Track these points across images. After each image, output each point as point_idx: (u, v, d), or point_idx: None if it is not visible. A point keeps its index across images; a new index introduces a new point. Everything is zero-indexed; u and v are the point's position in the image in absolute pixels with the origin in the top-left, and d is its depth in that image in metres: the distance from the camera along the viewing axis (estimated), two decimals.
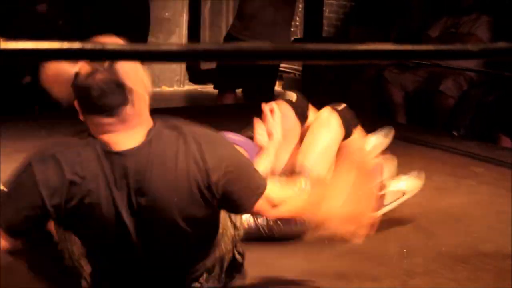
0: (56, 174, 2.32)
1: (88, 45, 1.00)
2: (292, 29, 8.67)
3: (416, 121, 6.81)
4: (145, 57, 1.10)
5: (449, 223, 3.18)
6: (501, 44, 1.43)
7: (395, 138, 5.67)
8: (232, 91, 7.50)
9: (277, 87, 8.88)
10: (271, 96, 7.84)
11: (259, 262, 2.99)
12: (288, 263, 3.08)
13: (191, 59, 1.22)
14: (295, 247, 3.22)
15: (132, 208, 2.34)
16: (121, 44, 1.03)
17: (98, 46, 1.00)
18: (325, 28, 8.73)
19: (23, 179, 2.36)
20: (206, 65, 8.53)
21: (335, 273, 2.99)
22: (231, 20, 8.42)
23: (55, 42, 0.96)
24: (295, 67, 8.99)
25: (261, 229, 3.19)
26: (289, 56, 1.15)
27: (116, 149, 2.35)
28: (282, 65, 8.73)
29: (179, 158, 2.35)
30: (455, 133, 6.43)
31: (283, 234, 3.19)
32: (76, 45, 0.97)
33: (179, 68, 8.63)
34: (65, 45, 0.95)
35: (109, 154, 2.35)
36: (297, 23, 9.15)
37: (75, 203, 2.32)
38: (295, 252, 3.20)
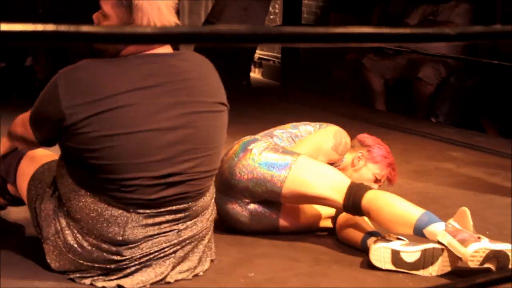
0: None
1: (62, 28, 0.99)
2: (271, 17, 8.68)
3: (396, 108, 6.83)
4: (120, 40, 1.09)
5: (427, 205, 3.19)
6: (478, 28, 1.44)
7: (375, 124, 5.72)
8: None
9: (257, 75, 8.88)
10: (248, 81, 7.87)
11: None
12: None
13: (167, 42, 1.22)
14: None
15: None
16: (96, 27, 1.03)
17: (72, 29, 0.99)
18: (305, 15, 8.73)
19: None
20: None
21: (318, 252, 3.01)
22: (210, 7, 8.41)
23: (29, 24, 0.95)
24: (275, 54, 8.99)
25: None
26: (263, 39, 1.15)
27: None
28: (261, 52, 8.74)
29: None
30: (434, 120, 6.46)
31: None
32: (50, 27, 0.96)
33: None
34: (39, 27, 0.94)
35: None
36: (277, 11, 9.14)
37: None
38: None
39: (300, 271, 2.88)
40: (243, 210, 3.18)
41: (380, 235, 3.00)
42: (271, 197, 3.14)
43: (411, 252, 2.86)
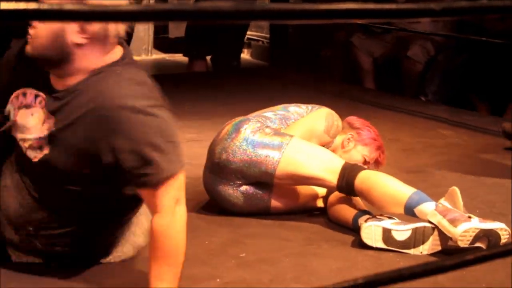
0: None
1: (45, 6, 0.99)
2: None
3: (385, 87, 6.83)
4: (104, 17, 1.08)
5: (417, 183, 3.20)
6: (463, 3, 1.43)
7: (364, 103, 5.72)
8: (203, 58, 7.50)
9: (246, 55, 8.86)
10: (238, 62, 7.86)
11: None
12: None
13: (152, 20, 1.21)
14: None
15: None
16: (79, 5, 1.02)
17: (55, 7, 0.98)
18: None
19: None
20: (174, 34, 8.50)
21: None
22: None
23: (11, 2, 0.94)
24: (263, 34, 8.96)
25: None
26: (248, 15, 1.14)
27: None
28: (250, 32, 8.71)
29: None
30: (423, 98, 6.47)
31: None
32: (32, 5, 0.95)
33: (146, 37, 8.57)
34: (21, 5, 0.94)
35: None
36: None
37: None
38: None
39: (291, 251, 2.88)
40: (235, 191, 3.18)
41: (371, 214, 3.01)
42: (264, 179, 3.15)
43: (402, 231, 2.87)
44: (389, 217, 2.96)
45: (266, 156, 3.11)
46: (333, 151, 3.39)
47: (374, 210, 3.04)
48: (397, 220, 2.93)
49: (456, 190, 2.89)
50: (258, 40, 9.04)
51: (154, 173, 2.28)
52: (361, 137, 3.46)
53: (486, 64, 6.05)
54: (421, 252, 2.86)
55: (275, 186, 3.19)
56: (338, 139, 3.45)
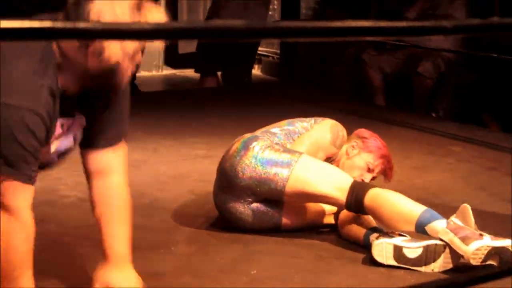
0: None
1: (58, 24, 0.99)
2: (270, 13, 8.66)
3: (395, 103, 6.82)
4: (118, 36, 1.09)
5: (428, 200, 3.19)
6: (475, 21, 1.43)
7: (374, 119, 5.71)
8: (214, 75, 7.52)
9: (256, 71, 8.87)
10: (249, 78, 7.88)
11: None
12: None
13: (164, 38, 1.20)
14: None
15: None
16: (92, 22, 1.02)
17: (69, 25, 0.99)
18: (303, 11, 8.72)
19: None
20: (184, 50, 8.52)
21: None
22: (208, 5, 8.40)
23: (18, 21, 0.94)
24: (273, 50, 8.97)
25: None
26: (260, 33, 1.14)
27: None
28: (260, 48, 8.72)
29: None
30: (434, 115, 6.46)
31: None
32: (47, 23, 0.95)
33: (157, 53, 8.60)
34: (26, 24, 0.94)
35: None
36: (275, 7, 9.13)
37: None
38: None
39: (302, 268, 2.88)
40: (246, 209, 3.18)
41: (382, 231, 3.00)
42: (274, 196, 3.14)
43: (413, 248, 2.87)
44: (400, 234, 2.95)
45: (276, 174, 3.11)
46: (339, 159, 3.39)
47: (385, 227, 3.03)
48: (408, 238, 2.92)
49: (467, 207, 2.88)
50: (268, 56, 9.05)
51: None
52: (365, 144, 3.46)
53: (497, 80, 6.04)
54: (433, 270, 2.85)
55: (286, 203, 3.19)
56: (343, 148, 3.46)
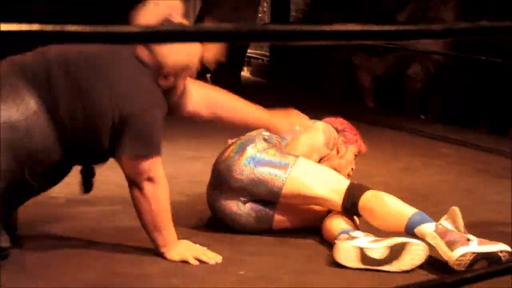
0: None
1: (48, 28, 0.99)
2: (259, 15, 8.68)
3: (385, 105, 6.84)
4: (104, 39, 1.09)
5: (417, 202, 3.20)
6: (464, 24, 1.44)
7: (364, 121, 5.72)
8: (203, 77, 7.52)
9: (246, 73, 8.88)
10: (239, 81, 7.88)
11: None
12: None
13: (153, 41, 1.20)
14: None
15: None
16: (81, 26, 1.02)
17: (57, 28, 0.99)
18: (293, 13, 8.73)
19: None
20: None
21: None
22: (198, 8, 8.41)
23: (14, 24, 0.95)
24: (263, 52, 8.98)
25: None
26: (249, 37, 1.15)
27: None
28: (250, 50, 8.74)
29: None
30: (423, 117, 6.48)
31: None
32: (35, 27, 0.96)
33: None
34: (24, 27, 0.94)
35: None
36: (265, 9, 9.14)
37: None
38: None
39: (291, 269, 2.88)
40: (239, 209, 3.18)
41: (351, 233, 2.97)
42: (270, 197, 3.16)
43: (377, 249, 2.83)
44: (367, 235, 2.92)
45: (273, 176, 3.12)
46: (330, 159, 3.42)
47: (370, 229, 3.03)
48: (373, 238, 2.89)
49: (456, 210, 2.88)
50: (258, 58, 9.07)
51: None
52: (347, 137, 3.52)
53: (487, 82, 6.06)
54: (399, 268, 2.82)
55: (279, 204, 3.20)
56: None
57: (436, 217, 2.92)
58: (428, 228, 2.85)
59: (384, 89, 6.98)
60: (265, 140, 3.28)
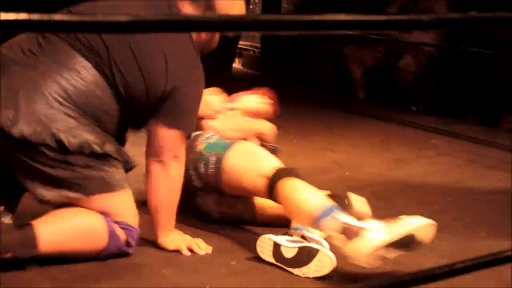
0: None
1: (35, 16, 0.99)
2: (251, 7, 8.67)
3: (376, 97, 6.85)
4: (93, 29, 1.09)
5: (408, 193, 3.21)
6: (453, 15, 1.44)
7: (355, 113, 5.73)
8: None
9: (237, 65, 8.87)
10: (230, 72, 7.88)
11: None
12: None
13: (142, 30, 1.19)
14: None
15: None
16: (69, 16, 1.02)
17: (45, 17, 0.99)
18: (284, 5, 8.73)
19: None
20: None
21: None
22: None
23: (5, 13, 0.95)
24: (254, 44, 8.98)
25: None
26: (238, 26, 1.15)
27: None
28: (241, 42, 8.73)
29: None
30: (414, 108, 6.49)
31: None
32: (22, 16, 0.96)
33: None
34: (11, 16, 0.94)
35: None
36: (256, 1, 9.14)
37: None
38: None
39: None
40: (203, 200, 3.21)
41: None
42: (214, 178, 3.12)
43: (290, 248, 2.74)
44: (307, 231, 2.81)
45: (215, 152, 3.09)
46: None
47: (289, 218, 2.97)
48: (292, 237, 2.82)
49: (350, 196, 2.83)
50: (249, 50, 9.06)
51: None
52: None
53: (478, 74, 6.08)
54: (304, 274, 2.70)
55: (251, 198, 3.20)
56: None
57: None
58: (330, 223, 2.66)
59: (375, 81, 6.99)
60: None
